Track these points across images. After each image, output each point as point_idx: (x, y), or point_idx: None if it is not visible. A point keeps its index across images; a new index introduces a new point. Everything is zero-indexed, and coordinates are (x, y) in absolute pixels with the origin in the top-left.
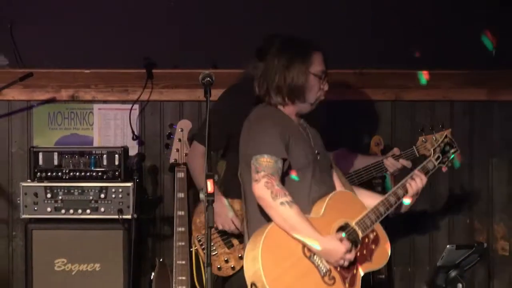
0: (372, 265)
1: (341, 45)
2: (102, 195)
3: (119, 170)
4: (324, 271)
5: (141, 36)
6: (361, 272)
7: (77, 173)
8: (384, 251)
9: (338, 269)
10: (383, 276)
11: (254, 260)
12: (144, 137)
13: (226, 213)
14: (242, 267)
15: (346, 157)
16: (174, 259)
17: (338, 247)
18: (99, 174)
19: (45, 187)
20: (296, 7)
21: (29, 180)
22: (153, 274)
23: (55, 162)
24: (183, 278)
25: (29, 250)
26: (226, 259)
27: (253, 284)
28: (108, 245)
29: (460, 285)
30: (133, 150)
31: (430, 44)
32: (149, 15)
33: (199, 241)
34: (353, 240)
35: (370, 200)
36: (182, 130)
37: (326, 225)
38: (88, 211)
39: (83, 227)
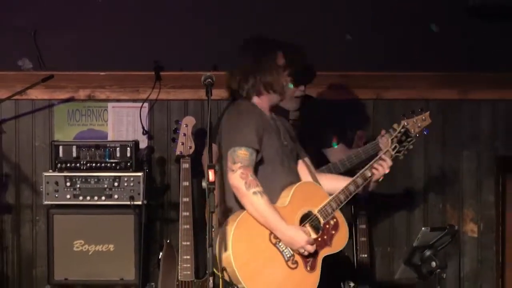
0: (332, 249)
1: (327, 50)
2: (116, 184)
3: (130, 161)
4: (288, 256)
5: (151, 42)
6: (321, 256)
7: (93, 164)
8: (343, 235)
9: (301, 254)
10: (366, 255)
11: (227, 246)
12: (153, 132)
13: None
14: None
15: (345, 152)
16: (179, 240)
17: (300, 237)
18: (113, 165)
19: (65, 176)
20: (285, 15)
21: (50, 171)
22: (161, 253)
23: (74, 155)
24: (188, 257)
25: (50, 232)
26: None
27: (224, 268)
28: (121, 228)
29: (433, 263)
30: (143, 144)
31: (407, 49)
32: (158, 24)
33: None
34: (316, 227)
35: (338, 183)
36: (186, 126)
37: (291, 213)
38: (103, 197)
39: (99, 212)
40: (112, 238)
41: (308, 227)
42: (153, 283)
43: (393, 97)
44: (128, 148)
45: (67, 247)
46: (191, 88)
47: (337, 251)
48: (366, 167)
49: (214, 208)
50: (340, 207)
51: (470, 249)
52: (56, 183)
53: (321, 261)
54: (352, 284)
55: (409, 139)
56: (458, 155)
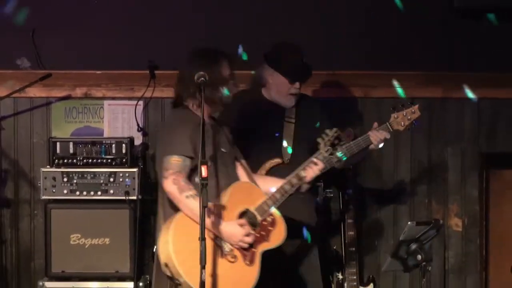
0: (269, 244)
1: (317, 50)
2: (111, 179)
3: (126, 157)
4: (227, 250)
5: (145, 42)
6: (259, 251)
7: (90, 160)
8: (280, 231)
9: (240, 249)
10: (353, 249)
11: (166, 243)
12: (147, 129)
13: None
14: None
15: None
16: None
17: (238, 231)
18: (109, 161)
19: (62, 172)
20: (279, 16)
21: (48, 166)
22: (155, 247)
23: (71, 151)
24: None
25: (48, 226)
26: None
27: (166, 264)
28: (117, 222)
29: (419, 256)
30: (138, 140)
31: (394, 49)
32: (152, 24)
33: None
34: (253, 223)
35: (273, 184)
36: None
37: (229, 211)
38: (99, 192)
39: (95, 206)
40: (108, 232)
41: (245, 223)
42: (147, 276)
43: (381, 95)
44: (124, 145)
45: (64, 240)
46: None
47: (275, 246)
48: (300, 167)
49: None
50: (277, 205)
51: (454, 243)
52: (54, 178)
53: (260, 256)
54: (340, 277)
55: (341, 143)
56: (443, 151)
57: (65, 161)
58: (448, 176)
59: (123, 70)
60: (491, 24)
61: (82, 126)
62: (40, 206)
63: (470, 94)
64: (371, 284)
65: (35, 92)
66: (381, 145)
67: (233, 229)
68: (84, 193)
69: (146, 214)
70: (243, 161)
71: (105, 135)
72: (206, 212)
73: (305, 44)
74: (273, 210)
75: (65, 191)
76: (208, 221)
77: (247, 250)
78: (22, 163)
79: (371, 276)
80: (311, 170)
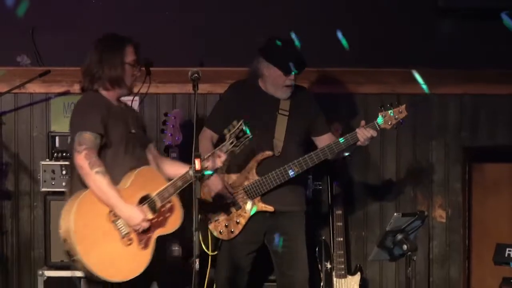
0: (165, 230)
1: (304, 47)
2: None
3: None
4: (124, 233)
5: (141, 39)
6: (155, 236)
7: None
8: (177, 218)
9: (136, 232)
10: (341, 239)
11: (68, 220)
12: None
13: (215, 186)
14: (240, 231)
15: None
16: None
17: (137, 215)
18: None
19: (61, 165)
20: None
21: (47, 160)
22: None
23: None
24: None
25: (47, 217)
26: (226, 224)
27: (65, 239)
28: None
29: (405, 246)
30: None
31: (380, 47)
32: (148, 23)
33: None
34: (152, 208)
35: (181, 170)
36: (175, 118)
37: (131, 194)
38: None
39: None
40: None
41: (145, 208)
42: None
43: (367, 91)
44: None
45: None
46: (179, 83)
47: (171, 232)
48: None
49: (200, 194)
50: (177, 192)
51: (438, 233)
52: (53, 171)
53: (154, 241)
54: (329, 266)
55: (245, 136)
56: (428, 145)
57: (64, 154)
58: (432, 170)
59: None
60: (472, 24)
61: None
62: (40, 197)
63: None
64: (358, 273)
65: (34, 88)
66: (367, 142)
67: (133, 213)
68: None
69: None
70: (151, 145)
71: None
72: (111, 190)
73: (293, 42)
74: (174, 197)
75: (63, 183)
76: (110, 201)
77: (143, 234)
78: (23, 157)
79: (358, 265)
80: (214, 161)
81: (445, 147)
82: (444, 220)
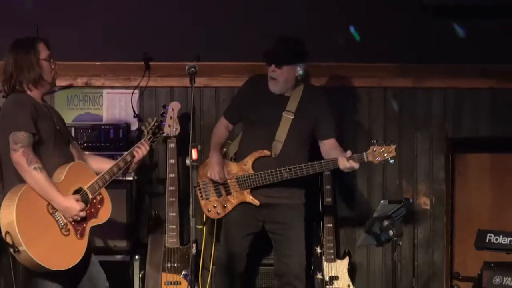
0: (98, 220)
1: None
2: None
3: (123, 142)
4: (62, 224)
5: (141, 35)
6: (89, 226)
7: (90, 144)
8: (107, 209)
9: (73, 223)
10: (331, 225)
11: (10, 213)
12: (143, 115)
13: (213, 166)
14: (226, 214)
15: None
16: (166, 211)
17: (74, 206)
18: (107, 144)
19: None
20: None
21: None
22: (150, 223)
23: (73, 135)
24: (173, 226)
25: None
26: (214, 205)
27: (7, 232)
28: (114, 201)
29: (391, 231)
30: (134, 126)
31: (369, 42)
32: (147, 19)
33: (199, 184)
34: (85, 201)
35: (104, 165)
36: (173, 110)
37: (65, 188)
38: None
39: None
40: None
41: (80, 199)
42: (142, 249)
43: (358, 85)
44: (121, 130)
45: None
46: (177, 77)
47: (103, 222)
48: (127, 152)
49: (197, 183)
50: (106, 185)
51: (423, 220)
52: None
53: (88, 230)
54: (319, 250)
55: (160, 132)
56: (413, 136)
57: None
58: (417, 159)
59: (120, 61)
60: (456, 21)
61: (83, 113)
62: None
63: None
64: (347, 257)
65: None
66: (347, 171)
67: (70, 204)
68: None
69: (141, 193)
70: (74, 142)
71: (104, 121)
72: (48, 185)
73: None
74: (102, 189)
75: None
76: (49, 195)
77: (79, 225)
78: None
79: (347, 250)
80: (140, 151)
81: (429, 138)
82: (428, 207)
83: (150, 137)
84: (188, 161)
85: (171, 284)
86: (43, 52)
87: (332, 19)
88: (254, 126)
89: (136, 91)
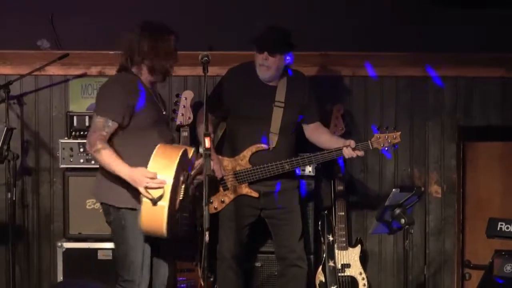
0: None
1: (308, 31)
2: None
3: None
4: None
5: None
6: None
7: None
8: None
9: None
10: (343, 213)
11: (170, 168)
12: None
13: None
14: (222, 208)
15: (319, 129)
16: None
17: (143, 172)
18: None
19: (79, 143)
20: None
21: (66, 138)
22: None
23: (86, 124)
24: (186, 214)
25: (66, 192)
26: (211, 200)
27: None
28: None
29: (403, 220)
30: None
31: (379, 32)
32: (161, 8)
33: None
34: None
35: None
36: (186, 99)
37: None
38: None
39: None
40: None
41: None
42: None
43: (367, 74)
44: None
45: (81, 205)
46: (190, 66)
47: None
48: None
49: (210, 171)
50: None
51: (434, 208)
52: (71, 149)
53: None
54: (331, 238)
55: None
56: (424, 125)
57: (81, 133)
58: (428, 148)
59: None
60: (467, 9)
61: None
62: (59, 174)
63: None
64: (359, 245)
65: (54, 70)
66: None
67: (136, 172)
68: None
69: None
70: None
71: None
72: (112, 160)
73: (296, 27)
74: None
75: (81, 160)
76: (115, 169)
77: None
78: (42, 135)
79: (359, 238)
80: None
81: (441, 127)
82: (439, 196)
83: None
84: (201, 150)
85: (184, 271)
86: (171, 46)
87: (342, 7)
88: (245, 120)
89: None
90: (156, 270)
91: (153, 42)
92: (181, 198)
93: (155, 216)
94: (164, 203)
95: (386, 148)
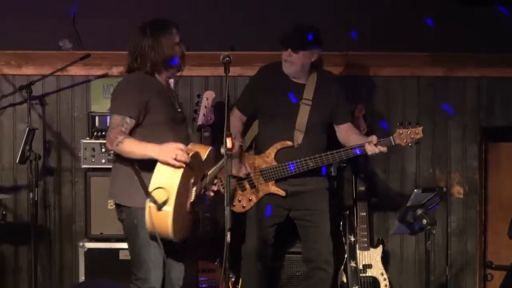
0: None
1: (330, 33)
2: None
3: None
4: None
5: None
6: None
7: None
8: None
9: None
10: (364, 214)
11: (176, 172)
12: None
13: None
14: (251, 207)
15: (350, 130)
16: None
17: (169, 146)
18: None
19: (100, 143)
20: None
21: (88, 138)
22: None
23: (108, 124)
24: (208, 214)
25: (87, 192)
26: (239, 199)
27: (161, 187)
28: None
29: (424, 220)
30: None
31: (401, 31)
32: (181, 9)
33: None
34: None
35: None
36: (207, 99)
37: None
38: None
39: None
40: None
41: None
42: None
43: (388, 74)
44: None
45: (102, 205)
46: (211, 66)
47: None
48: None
49: (231, 171)
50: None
51: (456, 209)
52: (93, 149)
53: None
54: (352, 239)
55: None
56: (446, 125)
57: (103, 133)
58: (450, 148)
59: None
60: (488, 9)
61: None
62: (81, 174)
63: None
64: (380, 246)
65: (75, 71)
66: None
67: (166, 146)
68: None
69: None
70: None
71: None
72: (135, 145)
73: (318, 27)
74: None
75: (103, 161)
76: (141, 151)
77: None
78: (64, 135)
79: (380, 238)
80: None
81: (462, 127)
82: (461, 196)
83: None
84: (222, 150)
85: (205, 271)
86: (176, 37)
87: (363, 7)
88: (272, 117)
89: (171, 80)
90: (169, 269)
91: (154, 37)
92: (192, 200)
93: (160, 221)
94: (169, 209)
95: (410, 144)
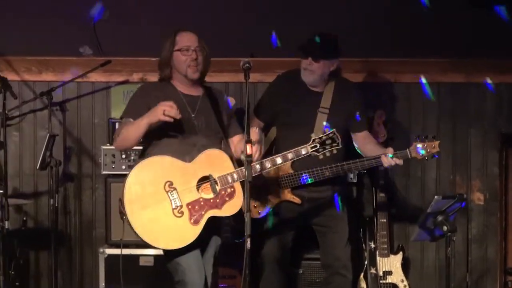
0: (221, 212)
1: (350, 39)
2: None
3: None
4: (176, 205)
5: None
6: (207, 215)
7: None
8: (235, 204)
9: (189, 207)
10: (385, 220)
11: (127, 181)
12: None
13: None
14: (266, 214)
15: (367, 139)
16: None
17: (159, 105)
18: None
19: (120, 150)
20: (313, 7)
21: (108, 144)
22: None
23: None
24: (227, 221)
25: (108, 198)
26: (255, 205)
27: (120, 199)
28: None
29: (445, 227)
30: None
31: (421, 38)
32: (201, 16)
33: None
34: (213, 189)
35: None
36: None
37: (192, 171)
38: None
39: None
40: None
41: (207, 186)
42: None
43: (408, 80)
44: None
45: None
46: (231, 72)
47: (224, 216)
48: (279, 155)
49: (251, 178)
50: (240, 180)
51: (477, 215)
52: (113, 155)
53: (205, 219)
54: (373, 245)
55: (333, 144)
56: (466, 132)
57: None
58: (471, 155)
59: None
60: (509, 16)
61: None
62: (101, 180)
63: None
64: (401, 252)
65: (96, 77)
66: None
67: (153, 109)
68: None
69: None
70: (236, 138)
71: None
72: (129, 125)
73: (338, 34)
74: (238, 184)
75: (123, 167)
76: (134, 126)
77: (196, 211)
78: (85, 141)
79: (400, 244)
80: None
81: (483, 134)
82: (482, 203)
83: (315, 146)
84: (242, 156)
85: (225, 278)
86: (180, 43)
87: (383, 14)
88: (289, 125)
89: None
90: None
91: (164, 44)
92: (207, 197)
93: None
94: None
95: (426, 158)
